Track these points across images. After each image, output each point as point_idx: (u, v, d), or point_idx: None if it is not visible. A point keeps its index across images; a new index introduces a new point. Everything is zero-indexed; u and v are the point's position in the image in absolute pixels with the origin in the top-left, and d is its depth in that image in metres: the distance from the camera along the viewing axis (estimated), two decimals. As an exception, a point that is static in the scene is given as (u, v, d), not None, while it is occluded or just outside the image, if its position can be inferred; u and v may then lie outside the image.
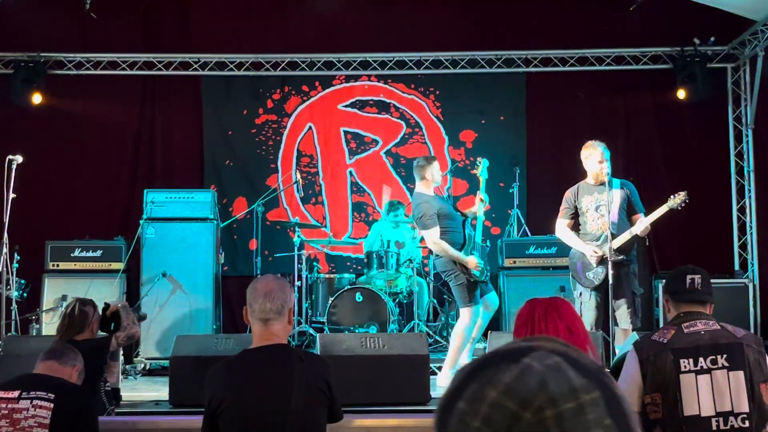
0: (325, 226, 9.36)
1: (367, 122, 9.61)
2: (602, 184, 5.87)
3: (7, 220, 6.88)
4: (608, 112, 9.42)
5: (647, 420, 2.99)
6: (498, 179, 8.70)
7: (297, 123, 9.59)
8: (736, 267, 9.11)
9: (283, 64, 9.46)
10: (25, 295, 7.70)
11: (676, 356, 3.00)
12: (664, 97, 9.30)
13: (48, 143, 9.24)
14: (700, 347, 3.01)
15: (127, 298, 7.90)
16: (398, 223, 8.29)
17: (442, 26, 9.53)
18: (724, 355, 2.99)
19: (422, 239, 7.17)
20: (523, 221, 8.81)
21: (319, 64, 9.49)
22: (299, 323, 7.84)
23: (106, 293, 7.35)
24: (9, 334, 7.09)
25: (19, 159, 6.99)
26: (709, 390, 2.96)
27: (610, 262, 5.71)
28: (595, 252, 5.81)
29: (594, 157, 5.94)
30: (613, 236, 5.77)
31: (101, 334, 4.86)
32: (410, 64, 9.46)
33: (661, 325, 7.60)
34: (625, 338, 5.67)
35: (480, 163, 6.65)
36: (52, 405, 3.21)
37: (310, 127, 9.60)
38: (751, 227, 9.16)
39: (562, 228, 6.15)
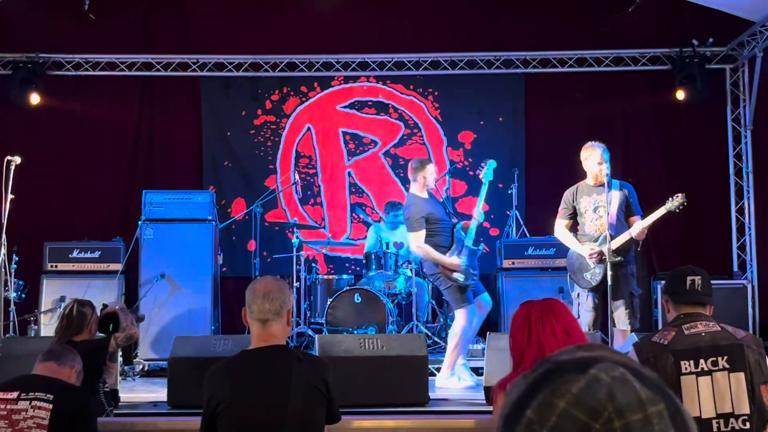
0: (324, 227, 9.36)
1: (366, 123, 9.61)
2: (601, 185, 5.87)
3: (5, 221, 6.86)
4: (607, 113, 9.42)
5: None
6: (497, 180, 8.67)
7: (296, 124, 9.59)
8: (735, 268, 9.12)
9: (281, 65, 9.45)
10: (23, 296, 7.69)
11: (676, 358, 3.00)
12: (663, 98, 9.30)
13: (46, 144, 9.23)
14: (701, 349, 3.00)
15: (125, 299, 7.90)
16: (397, 224, 8.29)
17: (440, 27, 9.53)
18: (725, 357, 2.98)
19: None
20: (521, 222, 8.81)
21: (317, 65, 9.49)
22: (298, 324, 7.84)
23: (104, 294, 7.34)
24: (7, 335, 7.08)
25: (17, 160, 6.97)
26: (710, 392, 2.95)
27: (608, 263, 5.71)
28: (593, 250, 5.81)
29: (593, 158, 5.94)
30: (612, 237, 5.77)
31: (99, 335, 4.85)
32: (409, 65, 9.46)
33: (660, 326, 7.60)
34: (623, 339, 5.67)
35: (486, 165, 6.62)
36: (50, 406, 3.21)
37: (308, 128, 9.60)
38: (749, 228, 9.16)
39: (560, 228, 6.15)
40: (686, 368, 2.98)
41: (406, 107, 9.60)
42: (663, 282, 7.47)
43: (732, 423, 2.92)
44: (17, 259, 7.55)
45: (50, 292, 8.01)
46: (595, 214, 5.95)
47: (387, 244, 7.95)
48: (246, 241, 9.13)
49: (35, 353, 3.67)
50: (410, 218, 6.47)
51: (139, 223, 7.98)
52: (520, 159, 9.38)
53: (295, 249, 8.03)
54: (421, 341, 5.88)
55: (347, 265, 9.28)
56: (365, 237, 8.81)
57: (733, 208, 9.30)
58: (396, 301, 7.85)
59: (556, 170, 8.60)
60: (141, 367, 7.44)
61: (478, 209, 6.57)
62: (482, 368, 6.01)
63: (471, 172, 8.76)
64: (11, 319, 7.35)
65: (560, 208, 6.16)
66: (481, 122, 9.53)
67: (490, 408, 4.41)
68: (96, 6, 8.59)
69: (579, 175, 6.16)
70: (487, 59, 9.40)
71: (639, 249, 6.25)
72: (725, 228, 9.31)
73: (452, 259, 6.35)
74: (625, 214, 5.97)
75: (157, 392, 6.17)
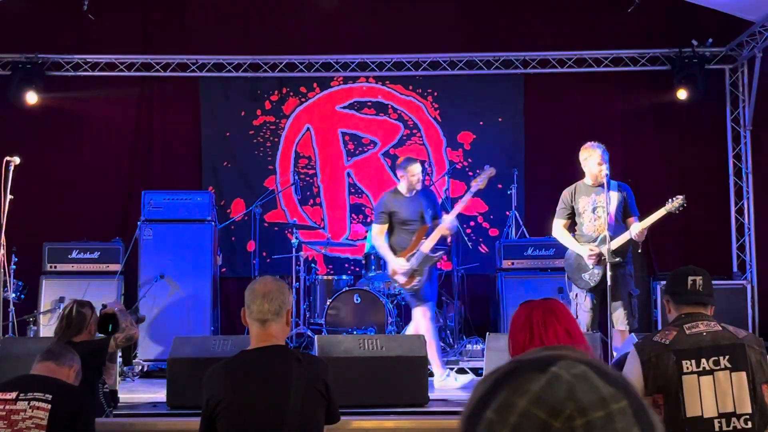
0: (323, 228, 9.35)
1: (365, 124, 9.61)
2: (600, 185, 5.88)
3: (4, 221, 6.85)
4: (606, 114, 9.42)
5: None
6: (496, 181, 8.69)
7: (295, 124, 9.58)
8: (735, 268, 9.12)
9: (281, 66, 9.45)
10: (22, 296, 7.68)
11: (678, 357, 2.99)
12: (662, 99, 9.29)
13: (45, 145, 9.21)
14: (702, 348, 3.00)
15: (124, 300, 7.89)
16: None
17: (440, 27, 9.52)
18: (726, 356, 2.98)
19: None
20: (521, 223, 8.80)
21: (317, 66, 9.48)
22: (297, 325, 7.83)
23: (103, 295, 7.33)
24: (6, 335, 7.07)
25: (16, 160, 6.96)
26: (712, 391, 2.95)
27: (607, 264, 5.70)
28: (592, 251, 5.81)
29: (593, 158, 5.94)
30: (611, 238, 5.76)
31: (99, 335, 4.85)
32: (408, 65, 9.45)
33: (660, 326, 7.61)
34: (622, 340, 5.67)
35: (484, 175, 6.53)
36: (49, 406, 3.21)
37: (308, 129, 9.59)
38: (749, 229, 9.16)
39: (558, 228, 6.15)
40: (688, 368, 2.98)
41: (405, 108, 9.60)
42: (663, 282, 7.49)
43: (734, 422, 2.92)
44: (16, 259, 7.55)
45: (49, 292, 8.01)
46: (594, 214, 5.95)
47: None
48: (245, 242, 9.13)
49: (34, 354, 3.67)
50: (375, 210, 6.85)
51: (139, 223, 7.97)
52: (520, 159, 9.37)
53: (294, 249, 8.03)
54: (421, 342, 5.88)
55: (347, 265, 9.27)
56: (365, 237, 8.80)
57: (733, 209, 9.30)
58: (395, 302, 7.84)
59: (556, 171, 8.58)
60: (140, 367, 7.43)
61: (451, 218, 6.51)
62: (482, 369, 6.01)
63: (470, 173, 8.76)
64: (10, 319, 7.34)
65: (558, 208, 6.16)
66: (481, 123, 9.53)
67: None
68: (95, 6, 8.58)
69: (579, 175, 6.16)
70: (486, 60, 9.39)
71: (639, 250, 6.26)
72: (725, 228, 9.31)
73: (395, 261, 6.42)
74: (623, 215, 5.98)
75: (157, 393, 6.16)
